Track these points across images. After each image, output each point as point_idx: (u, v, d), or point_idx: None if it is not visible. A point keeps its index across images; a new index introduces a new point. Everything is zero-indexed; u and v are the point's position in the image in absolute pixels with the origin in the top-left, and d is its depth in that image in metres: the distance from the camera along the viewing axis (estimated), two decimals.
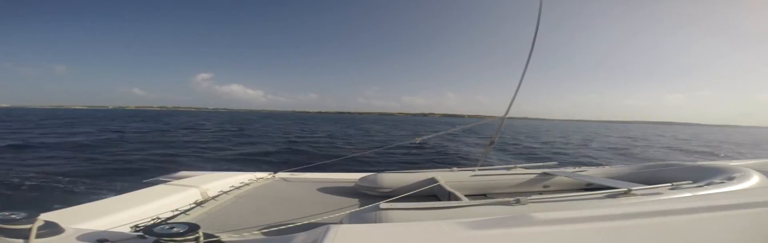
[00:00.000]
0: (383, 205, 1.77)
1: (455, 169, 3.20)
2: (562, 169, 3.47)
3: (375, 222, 1.64)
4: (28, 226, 1.11)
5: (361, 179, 2.98)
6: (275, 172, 3.50)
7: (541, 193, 2.97)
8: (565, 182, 3.09)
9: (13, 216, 1.11)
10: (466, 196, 2.34)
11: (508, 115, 3.23)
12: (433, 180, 2.83)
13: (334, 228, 1.06)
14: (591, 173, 3.25)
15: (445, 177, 2.90)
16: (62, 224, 1.21)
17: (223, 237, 1.13)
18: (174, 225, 1.05)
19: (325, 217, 1.99)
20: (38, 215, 1.15)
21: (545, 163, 3.47)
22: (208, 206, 2.31)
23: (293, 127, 32.74)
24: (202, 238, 1.02)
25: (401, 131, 32.68)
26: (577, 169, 3.43)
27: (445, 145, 17.36)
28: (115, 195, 2.22)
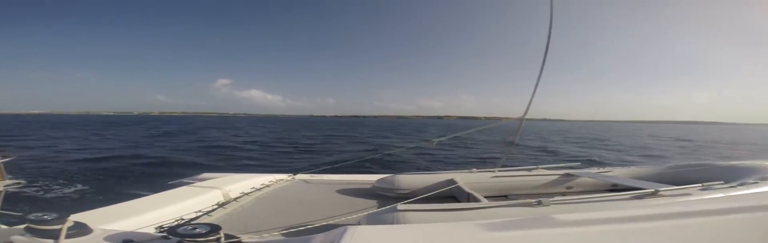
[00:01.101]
0: (401, 206, 1.76)
1: (474, 170, 3.16)
2: (585, 170, 3.38)
3: (392, 223, 1.63)
4: (58, 227, 1.15)
5: (379, 181, 2.98)
6: (295, 173, 3.55)
7: (563, 194, 2.90)
8: (588, 183, 3.00)
9: (45, 217, 1.16)
10: (486, 197, 2.30)
11: (526, 116, 3.18)
12: (451, 181, 2.79)
13: (351, 229, 1.06)
14: (616, 174, 3.15)
15: (464, 178, 2.86)
16: (91, 225, 1.25)
17: (244, 238, 1.14)
18: (197, 226, 1.07)
19: (344, 219, 2.00)
20: (68, 216, 1.20)
21: (568, 164, 3.39)
22: (229, 207, 2.35)
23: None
24: (223, 239, 1.04)
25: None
26: (601, 169, 3.34)
27: (463, 147, 17.21)
28: (142, 196, 2.30)
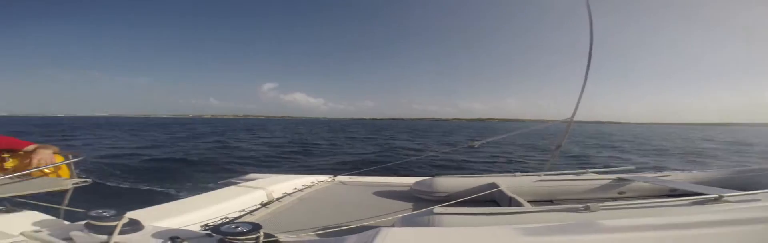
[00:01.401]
0: (437, 209, 1.73)
1: (518, 174, 3.05)
2: (640, 174, 3.16)
3: (428, 226, 1.60)
4: (114, 224, 1.25)
5: (416, 183, 2.96)
6: (335, 175, 3.61)
7: (614, 199, 2.73)
8: (643, 188, 2.80)
9: (104, 214, 1.26)
10: (529, 202, 2.21)
11: (575, 118, 3.05)
12: (493, 185, 2.70)
13: (384, 231, 1.06)
14: (675, 178, 2.93)
15: (507, 182, 2.76)
16: (144, 222, 1.34)
17: (281, 237, 1.17)
18: (239, 224, 1.10)
19: (379, 221, 1.99)
20: (125, 213, 1.30)
21: (621, 168, 3.19)
22: (272, 207, 2.44)
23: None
24: (262, 238, 1.07)
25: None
26: (658, 174, 3.11)
27: (507, 150, 16.70)
28: (193, 195, 2.45)
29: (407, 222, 1.74)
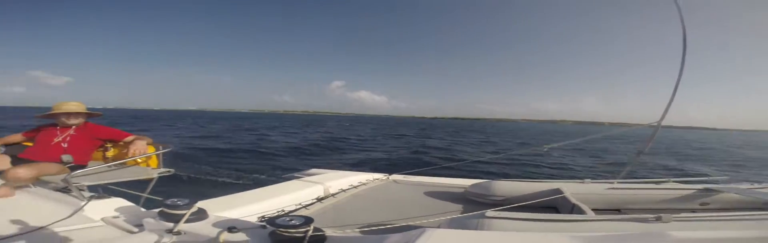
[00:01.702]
0: (489, 212, 1.66)
1: (588, 180, 2.83)
2: (731, 185, 2.78)
3: (476, 229, 1.55)
4: (183, 212, 1.36)
5: (472, 186, 2.87)
6: (390, 173, 3.64)
7: (693, 211, 2.43)
8: (732, 200, 2.47)
9: (178, 202, 1.38)
10: (594, 210, 2.05)
11: (663, 123, 2.76)
12: (556, 191, 2.52)
13: (429, 231, 1.04)
14: None
15: (573, 189, 2.57)
16: (210, 211, 1.46)
17: (328, 232, 1.21)
18: (293, 218, 1.15)
19: (426, 221, 1.96)
20: (195, 203, 1.42)
21: (710, 177, 2.80)
22: (326, 202, 2.53)
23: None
24: (310, 232, 1.11)
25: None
26: (756, 185, 2.71)
27: (579, 155, 15.52)
28: (260, 187, 2.64)
29: (455, 224, 1.70)
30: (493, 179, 2.95)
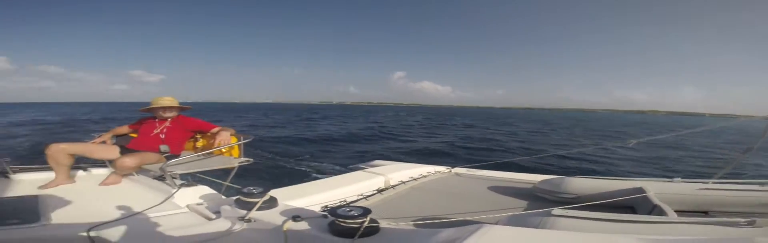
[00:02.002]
0: (557, 210, 1.57)
1: (677, 179, 2.51)
2: None
3: (538, 227, 1.46)
4: (257, 200, 1.48)
5: (543, 182, 2.70)
6: (453, 166, 3.58)
7: None
8: None
9: (253, 190, 1.51)
10: (678, 212, 1.84)
11: None
12: (638, 190, 2.29)
13: (486, 228, 1.01)
14: None
15: (658, 188, 2.31)
16: (279, 200, 1.55)
17: (383, 223, 1.23)
18: (353, 208, 1.21)
19: (485, 217, 1.89)
20: (268, 191, 1.52)
21: None
22: (386, 194, 2.59)
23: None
24: (365, 223, 1.15)
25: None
26: None
27: (672, 150, 13.82)
28: (328, 177, 2.77)
29: (516, 221, 1.62)
30: (566, 175, 2.75)
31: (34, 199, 2.09)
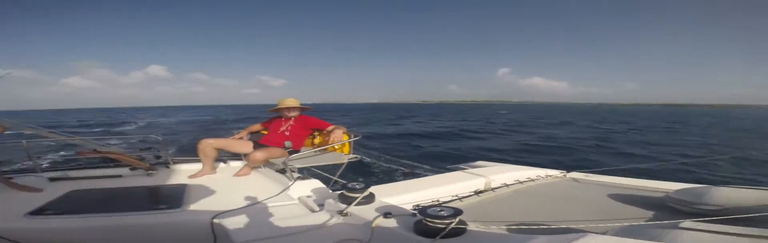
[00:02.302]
0: (687, 223, 1.38)
1: None
2: None
3: (655, 240, 1.27)
4: (357, 196, 1.58)
5: (680, 191, 2.27)
6: (569, 171, 3.27)
7: None
8: None
9: (356, 186, 1.61)
10: None
11: None
12: None
13: (588, 237, 0.91)
14: None
15: None
16: (377, 196, 1.63)
17: (471, 226, 1.20)
18: (444, 208, 1.19)
19: (595, 226, 1.69)
20: (368, 188, 1.62)
21: None
22: (483, 196, 2.46)
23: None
24: (453, 224, 1.13)
25: None
26: None
27: None
28: (426, 176, 2.79)
29: (630, 232, 1.42)
30: (711, 184, 2.30)
31: (183, 187, 2.53)
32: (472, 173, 2.90)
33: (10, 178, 2.53)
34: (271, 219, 1.67)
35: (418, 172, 7.94)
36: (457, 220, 1.14)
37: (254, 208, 1.98)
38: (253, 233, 1.50)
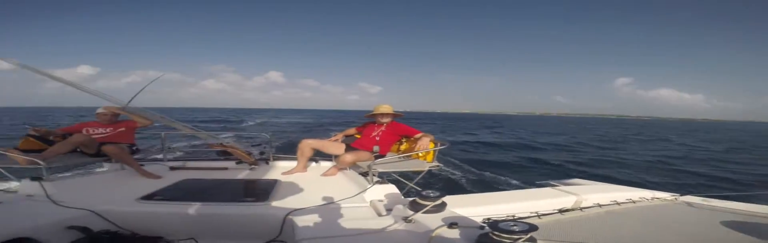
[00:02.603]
0: None
1: None
2: None
3: None
4: (427, 203, 1.59)
5: None
6: (682, 194, 2.76)
7: None
8: None
9: (431, 194, 1.62)
10: None
11: None
12: None
13: None
14: None
15: None
16: (450, 206, 1.61)
17: None
18: (518, 224, 1.11)
19: None
20: (442, 197, 1.61)
21: None
22: (567, 215, 2.21)
23: None
24: (522, 240, 1.05)
25: None
26: None
27: None
28: (510, 190, 2.64)
29: None
30: None
31: (274, 182, 2.78)
32: (562, 190, 2.67)
33: (142, 165, 3.13)
34: (338, 220, 1.74)
35: (502, 187, 7.50)
36: (528, 236, 1.07)
37: (327, 207, 2.08)
38: (313, 232, 1.57)
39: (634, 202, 2.58)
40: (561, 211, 2.25)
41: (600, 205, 2.43)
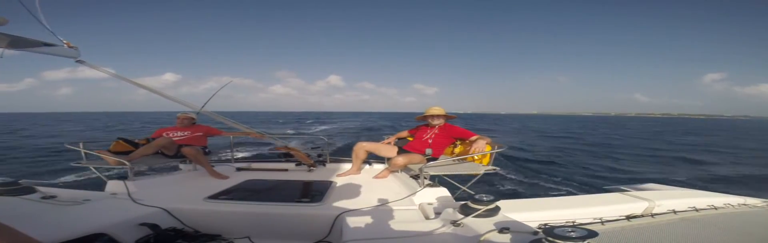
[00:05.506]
0: None
1: None
2: None
3: None
4: (479, 207, 1.54)
5: None
6: None
7: None
8: None
9: (484, 198, 1.58)
10: None
11: None
12: None
13: None
14: None
15: None
16: (504, 211, 1.54)
17: None
18: (576, 230, 1.04)
19: None
20: (497, 201, 1.55)
21: None
22: (635, 222, 1.96)
23: None
24: None
25: None
26: None
27: None
28: (576, 195, 2.46)
29: None
30: None
31: (329, 184, 2.85)
32: (632, 195, 2.42)
33: (213, 166, 3.38)
34: (386, 222, 1.73)
35: (557, 193, 7.01)
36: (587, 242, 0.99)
37: (376, 209, 2.10)
38: (360, 233, 1.57)
39: (716, 208, 2.27)
40: (628, 217, 2.04)
41: (675, 212, 2.15)
